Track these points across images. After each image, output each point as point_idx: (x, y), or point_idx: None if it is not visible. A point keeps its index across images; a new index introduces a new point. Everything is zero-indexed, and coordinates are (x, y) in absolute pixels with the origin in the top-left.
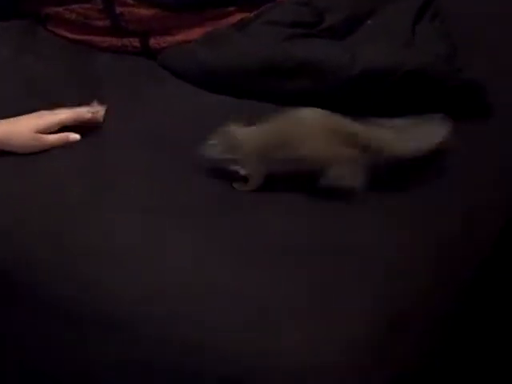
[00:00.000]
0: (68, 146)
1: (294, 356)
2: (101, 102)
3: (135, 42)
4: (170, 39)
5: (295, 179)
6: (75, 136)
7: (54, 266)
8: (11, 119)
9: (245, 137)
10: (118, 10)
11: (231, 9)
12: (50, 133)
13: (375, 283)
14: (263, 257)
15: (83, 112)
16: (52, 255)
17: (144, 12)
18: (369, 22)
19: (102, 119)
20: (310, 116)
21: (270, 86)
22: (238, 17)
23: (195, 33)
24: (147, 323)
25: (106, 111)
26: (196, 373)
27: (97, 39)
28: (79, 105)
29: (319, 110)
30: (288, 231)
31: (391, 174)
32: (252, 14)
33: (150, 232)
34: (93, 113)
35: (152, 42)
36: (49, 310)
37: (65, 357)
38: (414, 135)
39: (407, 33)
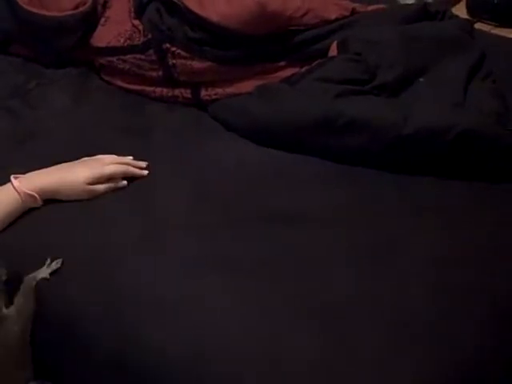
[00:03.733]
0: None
1: None
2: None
3: (186, 93)
4: (220, 91)
5: None
6: (123, 183)
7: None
8: (60, 168)
9: None
10: (171, 61)
11: (282, 63)
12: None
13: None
14: (304, 315)
15: (131, 169)
16: (98, 304)
17: (196, 64)
18: (421, 79)
19: (146, 173)
20: None
21: (319, 143)
22: (288, 71)
23: (246, 86)
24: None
25: (155, 160)
26: None
27: (149, 89)
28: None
29: None
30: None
31: None
32: (304, 69)
33: (196, 284)
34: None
35: (203, 93)
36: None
37: None
38: None
39: (460, 92)
